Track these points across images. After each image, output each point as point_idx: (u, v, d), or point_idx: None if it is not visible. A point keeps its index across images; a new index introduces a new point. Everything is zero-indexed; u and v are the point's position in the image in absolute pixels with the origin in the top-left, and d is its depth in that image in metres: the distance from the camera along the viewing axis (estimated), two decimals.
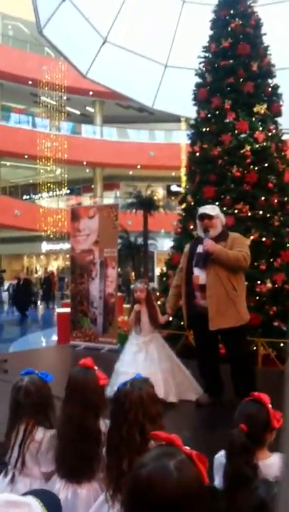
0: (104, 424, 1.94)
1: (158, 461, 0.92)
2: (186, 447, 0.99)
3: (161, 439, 1.03)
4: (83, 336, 7.31)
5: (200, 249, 4.08)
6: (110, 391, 4.32)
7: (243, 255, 3.93)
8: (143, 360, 4.25)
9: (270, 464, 1.77)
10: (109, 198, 26.18)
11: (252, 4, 7.14)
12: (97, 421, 1.94)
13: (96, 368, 2.05)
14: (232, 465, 1.68)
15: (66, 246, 18.41)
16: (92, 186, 27.09)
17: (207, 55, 7.13)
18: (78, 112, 27.47)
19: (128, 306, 10.16)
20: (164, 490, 0.87)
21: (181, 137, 20.46)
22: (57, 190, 22.93)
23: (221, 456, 1.85)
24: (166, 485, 0.88)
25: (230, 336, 4.02)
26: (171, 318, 4.98)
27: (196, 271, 4.06)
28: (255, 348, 5.65)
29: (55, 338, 8.81)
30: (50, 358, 6.95)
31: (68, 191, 25.09)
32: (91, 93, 23.13)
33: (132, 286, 21.85)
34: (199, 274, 4.02)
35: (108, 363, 4.56)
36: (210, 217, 4.10)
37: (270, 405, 1.83)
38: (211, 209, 4.22)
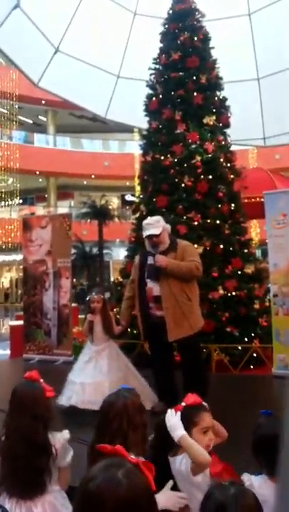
0: (52, 438, 1.92)
1: (106, 473, 0.92)
2: (132, 456, 0.99)
3: (106, 451, 1.02)
4: (37, 349, 7.15)
5: (150, 260, 4.07)
6: (61, 400, 4.26)
7: (195, 265, 3.97)
8: (92, 370, 4.23)
9: (173, 461, 1.85)
10: (63, 208, 25.88)
11: (200, 19, 7.35)
12: (46, 433, 1.91)
13: (42, 380, 2.02)
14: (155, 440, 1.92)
15: (19, 257, 18.02)
16: (46, 196, 26.74)
17: (157, 66, 7.27)
18: (31, 121, 27.12)
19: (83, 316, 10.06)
20: (116, 499, 0.87)
21: (135, 147, 20.63)
22: (9, 200, 22.44)
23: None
24: (117, 494, 0.87)
25: (185, 343, 4.05)
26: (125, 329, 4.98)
27: (149, 283, 4.06)
28: (208, 354, 5.74)
29: (5, 352, 8.53)
30: (2, 372, 6.74)
31: (21, 201, 24.63)
32: (43, 102, 22.92)
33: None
34: (153, 286, 4.03)
35: (63, 376, 4.49)
36: (157, 235, 4.02)
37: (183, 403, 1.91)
38: (155, 225, 4.05)
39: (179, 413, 1.84)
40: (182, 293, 3.95)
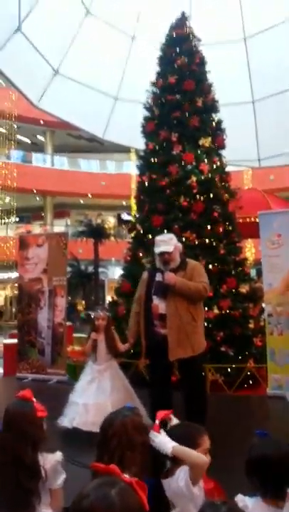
0: (42, 458, 1.88)
1: (99, 491, 0.92)
2: (126, 475, 0.99)
3: (100, 470, 1.02)
4: (30, 368, 7.09)
5: (159, 277, 4.02)
6: (62, 421, 4.19)
7: (203, 286, 3.93)
8: (95, 390, 4.18)
9: (167, 482, 1.83)
10: (59, 226, 25.94)
11: (196, 43, 7.54)
12: (36, 454, 1.86)
13: (35, 400, 1.99)
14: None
15: (14, 275, 17.96)
16: (43, 214, 26.84)
17: (155, 89, 7.40)
18: (29, 141, 27.40)
19: (78, 335, 9.99)
20: None
21: (132, 167, 20.83)
22: (5, 218, 22.49)
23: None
24: None
25: (186, 364, 3.98)
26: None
27: (155, 299, 4.00)
28: (203, 373, 5.70)
29: None
30: None
31: (18, 219, 24.70)
32: (42, 122, 23.20)
33: (82, 315, 21.61)
34: (158, 303, 3.97)
35: (57, 395, 4.45)
36: (169, 253, 4.00)
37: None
38: (168, 243, 4.02)
39: (162, 431, 1.83)
40: (188, 313, 3.89)
